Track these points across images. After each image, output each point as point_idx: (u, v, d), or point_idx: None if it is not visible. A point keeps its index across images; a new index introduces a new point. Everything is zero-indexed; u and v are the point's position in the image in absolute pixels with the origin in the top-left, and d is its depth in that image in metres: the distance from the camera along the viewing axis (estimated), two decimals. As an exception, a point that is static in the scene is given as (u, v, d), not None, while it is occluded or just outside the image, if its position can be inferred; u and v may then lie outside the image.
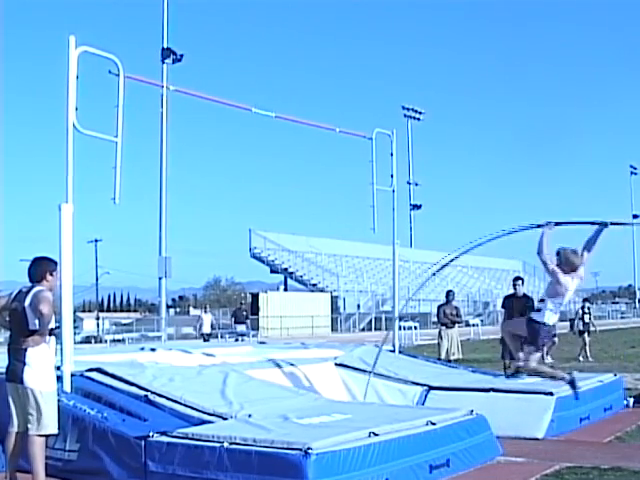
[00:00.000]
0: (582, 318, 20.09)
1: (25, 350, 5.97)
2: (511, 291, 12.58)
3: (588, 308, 20.66)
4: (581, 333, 19.78)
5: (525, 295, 12.43)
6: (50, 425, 6.01)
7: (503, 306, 12.56)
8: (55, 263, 6.33)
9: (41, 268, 6.18)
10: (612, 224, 8.24)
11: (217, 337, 28.62)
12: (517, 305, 12.04)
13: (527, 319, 8.06)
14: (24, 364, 5.96)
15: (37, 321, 5.94)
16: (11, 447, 6.08)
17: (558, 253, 7.93)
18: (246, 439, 5.73)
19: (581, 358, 18.87)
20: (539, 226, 8.09)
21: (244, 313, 27.28)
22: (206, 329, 25.64)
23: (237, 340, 24.83)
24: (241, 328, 26.65)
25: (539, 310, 7.97)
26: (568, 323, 22.69)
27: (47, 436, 6.09)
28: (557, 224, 8.14)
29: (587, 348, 19.35)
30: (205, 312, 26.70)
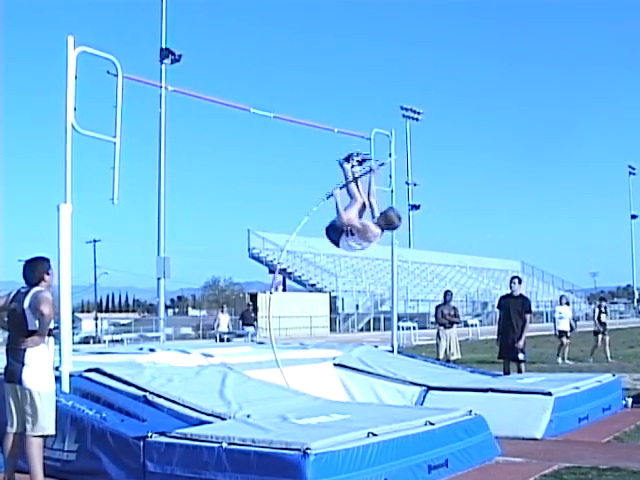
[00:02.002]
0: (599, 317, 19.38)
1: (24, 351, 5.97)
2: (508, 291, 12.55)
3: (605, 307, 20.01)
4: (596, 333, 19.18)
5: (522, 295, 12.37)
6: (48, 426, 6.01)
7: (499, 306, 12.52)
8: (48, 261, 6.32)
9: (37, 270, 6.16)
10: (381, 165, 8.96)
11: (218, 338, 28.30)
12: (513, 305, 12.01)
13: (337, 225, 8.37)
14: (23, 365, 5.96)
15: (37, 322, 5.94)
16: (9, 448, 6.08)
17: (386, 211, 8.45)
18: (245, 439, 5.73)
19: (591, 359, 18.31)
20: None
21: (252, 315, 26.89)
22: (223, 328, 25.18)
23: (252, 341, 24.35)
24: (250, 330, 26.28)
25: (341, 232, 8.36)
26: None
27: (45, 437, 6.09)
28: (341, 187, 8.55)
29: (601, 347, 18.81)
30: (222, 311, 26.17)
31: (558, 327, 19.15)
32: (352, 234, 8.37)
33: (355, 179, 8.60)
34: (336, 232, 8.45)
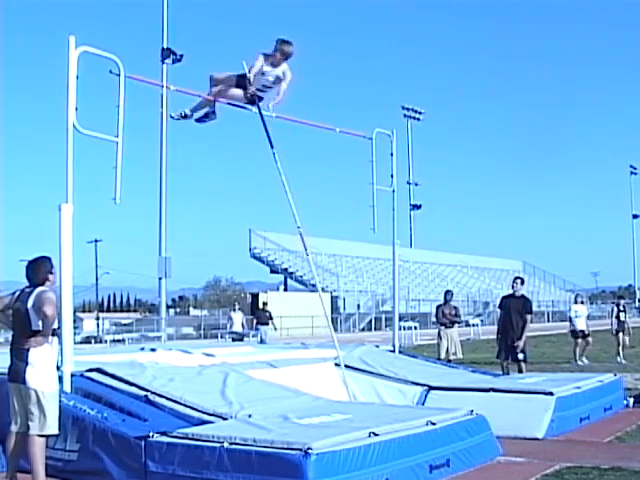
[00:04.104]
0: (617, 317, 19.01)
1: (28, 350, 5.98)
2: (510, 291, 12.55)
3: (623, 306, 19.60)
4: (616, 333, 18.75)
5: (523, 296, 12.38)
6: (52, 425, 6.02)
7: (500, 306, 12.53)
8: (51, 260, 6.34)
9: (41, 270, 6.17)
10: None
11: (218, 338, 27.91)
12: (514, 305, 12.02)
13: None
14: (27, 364, 5.97)
15: (40, 322, 5.95)
16: (12, 447, 6.09)
17: (278, 48, 8.90)
18: (246, 439, 5.73)
19: (618, 359, 17.92)
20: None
21: (267, 314, 26.49)
22: (237, 328, 24.36)
23: (261, 342, 23.81)
24: (265, 329, 25.89)
25: None
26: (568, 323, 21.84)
27: (48, 436, 6.10)
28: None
29: (620, 348, 18.38)
30: (235, 310, 25.21)
31: (576, 327, 18.50)
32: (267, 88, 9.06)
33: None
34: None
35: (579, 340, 18.30)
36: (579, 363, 17.47)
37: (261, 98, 9.24)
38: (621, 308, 19.38)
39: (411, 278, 58.73)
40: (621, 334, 18.67)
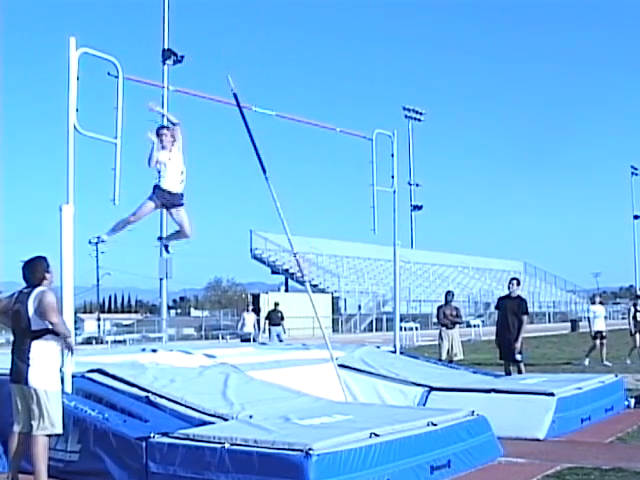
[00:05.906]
0: (634, 317, 18.54)
1: (29, 351, 5.98)
2: (507, 292, 12.57)
3: None
4: (632, 333, 18.40)
5: (519, 296, 12.39)
6: (55, 425, 6.03)
7: (497, 307, 12.55)
8: (46, 259, 6.33)
9: (37, 270, 6.18)
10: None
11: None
12: (511, 306, 12.04)
13: None
14: (28, 365, 5.97)
15: (43, 323, 5.96)
16: (14, 447, 6.10)
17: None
18: (247, 440, 5.73)
19: (628, 361, 17.63)
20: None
21: (279, 315, 26.19)
22: (248, 329, 23.84)
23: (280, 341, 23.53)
24: (277, 330, 25.62)
25: None
26: (569, 324, 21.68)
27: (50, 436, 6.10)
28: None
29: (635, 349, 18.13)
30: (248, 311, 24.82)
31: (593, 328, 18.24)
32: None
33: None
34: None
35: (597, 341, 18.00)
36: (584, 363, 17.38)
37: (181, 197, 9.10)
38: (638, 308, 18.88)
39: (412, 279, 58.69)
40: (638, 335, 18.27)
